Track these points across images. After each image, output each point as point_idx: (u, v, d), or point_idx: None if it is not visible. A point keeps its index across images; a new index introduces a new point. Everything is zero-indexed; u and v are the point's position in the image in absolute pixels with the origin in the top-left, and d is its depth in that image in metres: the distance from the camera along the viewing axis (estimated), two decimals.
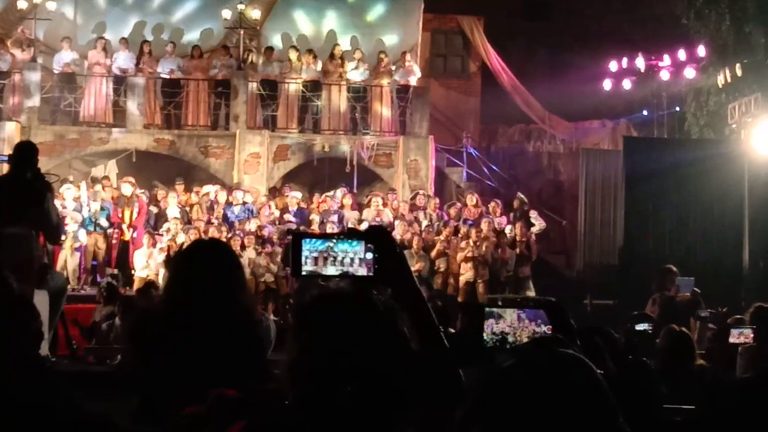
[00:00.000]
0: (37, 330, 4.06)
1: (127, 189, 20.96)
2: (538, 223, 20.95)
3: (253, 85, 23.95)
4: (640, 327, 10.75)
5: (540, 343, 4.38)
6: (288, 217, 21.28)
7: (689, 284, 14.72)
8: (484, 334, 5.47)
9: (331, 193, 22.15)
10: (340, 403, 2.43)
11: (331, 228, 19.91)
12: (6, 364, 3.63)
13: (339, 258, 3.00)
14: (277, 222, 20.89)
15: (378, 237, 3.02)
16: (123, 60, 23.88)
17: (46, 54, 24.44)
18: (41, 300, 8.73)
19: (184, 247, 5.02)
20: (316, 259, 3.04)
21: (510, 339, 5.69)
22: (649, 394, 6.20)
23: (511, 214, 21.22)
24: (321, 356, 2.47)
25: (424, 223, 20.90)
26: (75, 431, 3.64)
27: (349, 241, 3.00)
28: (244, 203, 21.23)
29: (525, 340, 5.43)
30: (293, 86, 23.92)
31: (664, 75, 24.00)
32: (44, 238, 10.04)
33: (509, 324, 5.73)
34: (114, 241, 20.38)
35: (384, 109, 24.16)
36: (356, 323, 2.52)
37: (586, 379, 2.51)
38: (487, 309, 5.43)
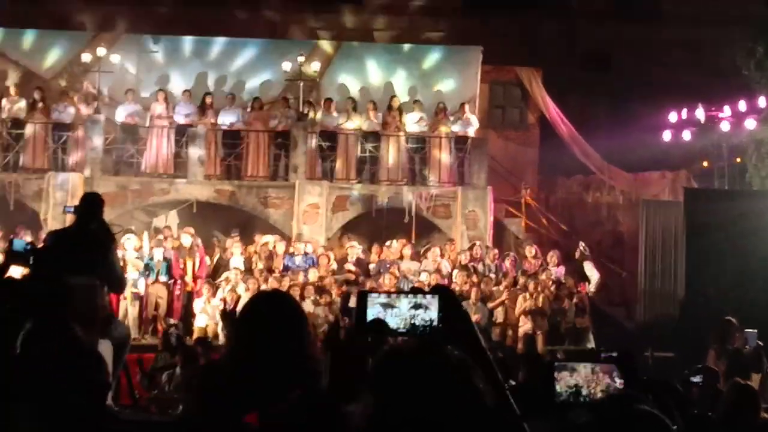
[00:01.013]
0: (103, 380, 4.10)
1: (186, 240, 21.18)
2: (592, 275, 20.86)
3: (313, 137, 24.12)
4: (695, 379, 10.66)
5: (615, 399, 4.34)
6: (348, 266, 21.34)
7: (753, 337, 14.54)
8: (557, 387, 5.43)
9: (389, 243, 22.20)
10: None
11: (389, 278, 19.91)
12: (76, 415, 3.68)
13: (403, 315, 3.01)
14: (334, 272, 20.97)
15: (442, 294, 3.03)
16: (184, 112, 24.16)
17: (109, 106, 24.81)
18: (105, 350, 8.82)
19: (247, 299, 5.05)
20: (380, 315, 3.05)
21: (584, 392, 5.63)
22: None
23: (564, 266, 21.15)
24: (398, 411, 2.48)
25: (483, 273, 20.87)
26: None
27: (414, 297, 3.02)
28: (306, 253, 21.35)
29: (599, 393, 5.38)
30: (352, 137, 24.06)
31: (725, 126, 23.80)
32: (108, 287, 10.15)
33: (583, 377, 5.67)
34: (177, 292, 20.56)
35: (443, 160, 24.20)
36: (432, 378, 2.53)
37: None
38: (558, 362, 5.38)
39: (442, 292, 3.07)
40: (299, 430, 3.90)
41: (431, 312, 2.99)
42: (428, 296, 3.02)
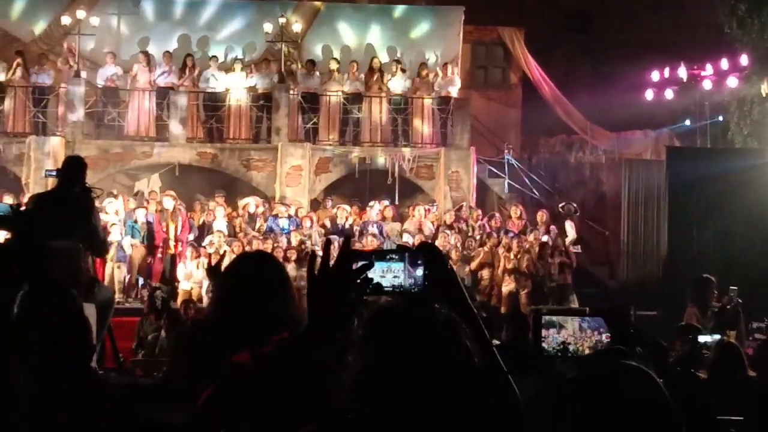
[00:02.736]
0: (88, 343, 4.09)
1: (168, 203, 21.12)
2: (569, 233, 20.95)
3: (295, 98, 24.04)
4: (704, 339, 10.68)
5: (603, 354, 4.35)
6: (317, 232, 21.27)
7: (734, 294, 14.59)
8: (545, 344, 5.43)
9: (372, 203, 22.20)
10: (404, 418, 2.43)
11: (371, 240, 19.93)
12: (62, 376, 3.67)
13: (387, 274, 3.00)
14: (320, 235, 20.97)
15: (429, 253, 3.01)
16: (165, 74, 24.02)
17: (90, 69, 24.66)
18: (89, 313, 8.80)
19: (231, 259, 5.05)
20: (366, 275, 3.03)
21: (572, 348, 5.65)
22: (699, 406, 6.17)
23: (552, 227, 21.20)
24: (385, 370, 2.48)
25: (466, 233, 20.91)
26: None
27: (398, 256, 3.00)
28: (289, 216, 21.33)
29: (587, 350, 5.39)
30: (334, 98, 23.99)
31: (707, 84, 23.85)
32: (90, 251, 10.13)
33: (571, 333, 5.69)
34: (159, 255, 20.53)
35: (425, 121, 24.17)
36: (420, 336, 2.53)
37: (650, 392, 2.50)
38: (547, 318, 5.39)
39: (429, 249, 3.05)
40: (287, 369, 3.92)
41: (418, 270, 2.98)
42: (414, 254, 3.01)
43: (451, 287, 2.98)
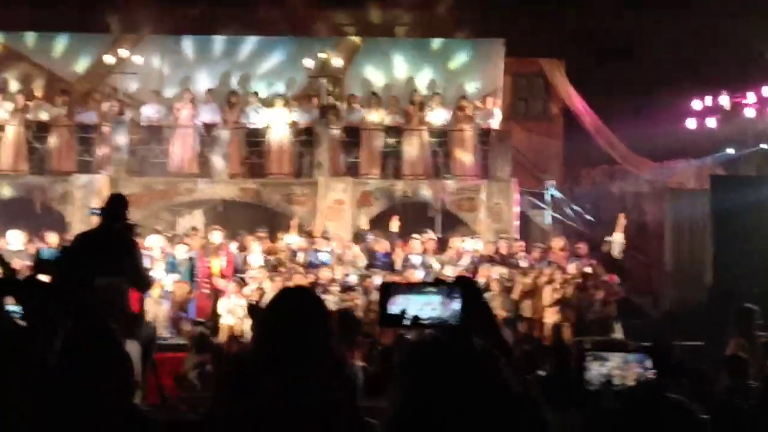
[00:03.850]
0: (131, 380, 4.13)
1: (216, 237, 21.25)
2: (616, 238, 20.85)
3: (336, 132, 24.14)
4: None
5: (646, 386, 4.33)
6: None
7: None
8: (588, 377, 5.40)
9: (414, 237, 22.20)
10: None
11: (413, 273, 19.96)
12: (107, 415, 3.70)
13: (425, 307, 3.02)
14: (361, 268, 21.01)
15: (465, 286, 3.03)
16: (208, 112, 24.21)
17: (134, 107, 24.90)
18: (133, 350, 8.86)
19: (272, 296, 5.09)
20: (403, 308, 3.06)
21: (616, 381, 5.61)
22: None
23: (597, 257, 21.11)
24: (423, 401, 2.49)
25: (509, 265, 20.87)
26: None
27: (436, 290, 3.03)
28: (332, 251, 21.37)
29: (631, 383, 5.35)
30: (375, 132, 24.06)
31: (749, 112, 23.70)
32: (133, 287, 10.20)
33: (615, 366, 5.65)
34: (207, 291, 20.59)
35: (466, 153, 24.18)
36: (458, 367, 2.53)
37: (692, 426, 2.48)
38: (591, 352, 5.36)
39: (465, 283, 3.07)
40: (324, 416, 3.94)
41: (455, 304, 3.00)
42: (451, 288, 3.03)
43: (486, 320, 3.00)
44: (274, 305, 4.42)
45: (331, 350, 4.20)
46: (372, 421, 4.19)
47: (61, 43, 26.57)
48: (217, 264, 20.83)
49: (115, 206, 9.99)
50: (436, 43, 27.29)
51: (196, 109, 24.21)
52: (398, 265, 21.12)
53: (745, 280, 19.08)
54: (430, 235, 22.20)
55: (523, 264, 20.99)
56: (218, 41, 26.86)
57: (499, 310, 18.94)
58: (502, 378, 2.58)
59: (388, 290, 3.15)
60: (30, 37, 26.63)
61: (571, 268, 20.04)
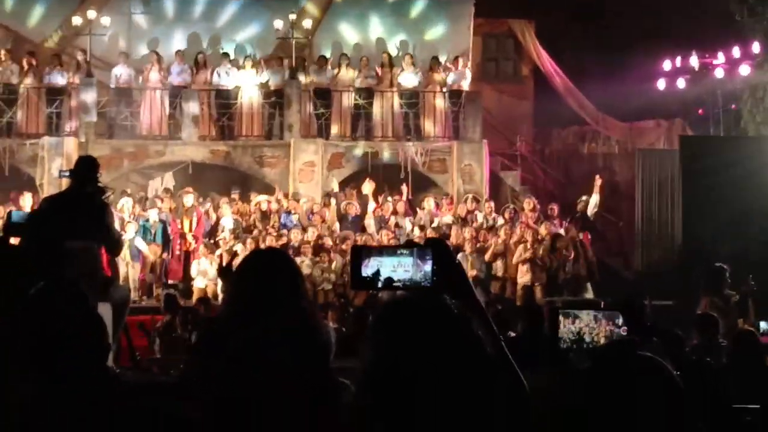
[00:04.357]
0: (104, 342, 4.11)
1: (189, 200, 21.20)
2: (593, 198, 21.00)
3: (306, 94, 24.07)
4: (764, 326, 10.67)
5: (617, 344, 4.34)
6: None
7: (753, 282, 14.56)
8: (560, 335, 5.42)
9: (385, 199, 22.24)
10: (417, 409, 2.44)
11: (386, 234, 20.00)
12: (77, 377, 3.69)
13: (398, 269, 3.03)
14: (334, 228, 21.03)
15: (436, 247, 3.03)
16: (178, 73, 24.07)
17: (102, 69, 24.72)
18: (105, 312, 8.83)
19: (243, 257, 5.08)
20: (375, 271, 3.07)
21: (587, 339, 5.63)
22: (715, 396, 6.15)
23: (568, 217, 21.21)
24: (399, 362, 2.49)
25: (480, 226, 20.93)
26: None
27: (408, 252, 3.03)
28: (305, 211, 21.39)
29: (602, 340, 5.37)
30: (345, 94, 24.01)
31: (719, 73, 23.78)
32: (105, 250, 10.15)
33: (586, 324, 5.67)
34: (177, 252, 20.57)
35: (436, 115, 24.17)
36: (431, 327, 2.53)
37: (663, 383, 2.49)
38: (562, 310, 5.38)
39: (436, 244, 3.07)
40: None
41: (426, 265, 3.00)
42: (423, 249, 3.03)
43: (458, 280, 3.00)
44: (245, 266, 4.41)
45: (303, 311, 4.20)
46: (344, 381, 4.19)
47: (32, 8, 26.23)
48: (188, 226, 20.79)
49: (86, 169, 9.90)
50: (407, 4, 27.15)
51: (166, 70, 24.05)
52: (370, 227, 21.13)
53: (715, 240, 19.20)
54: (403, 197, 22.23)
55: (495, 224, 21.05)
56: (188, 3, 26.63)
57: (471, 271, 19.02)
58: (475, 337, 2.57)
59: (359, 253, 3.14)
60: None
61: (543, 229, 20.08)
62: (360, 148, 23.88)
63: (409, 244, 3.09)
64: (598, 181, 21.35)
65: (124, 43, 25.78)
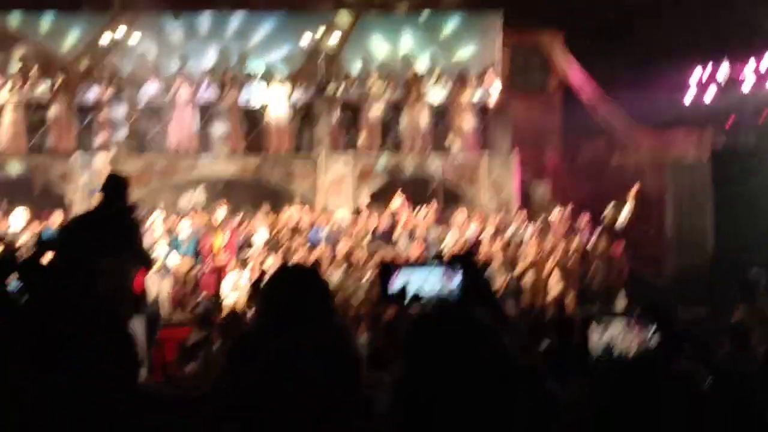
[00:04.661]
0: (136, 358, 4.14)
1: (221, 213, 21.32)
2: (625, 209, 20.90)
3: (335, 111, 24.13)
4: None
5: (650, 355, 4.32)
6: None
7: None
8: (591, 346, 5.39)
9: (415, 211, 22.24)
10: (449, 422, 2.44)
11: (417, 247, 19.99)
12: (112, 393, 3.71)
13: (427, 283, 3.05)
14: (364, 243, 21.01)
15: (464, 262, 3.05)
16: (207, 90, 24.20)
17: (132, 86, 24.86)
18: (137, 328, 8.89)
19: (271, 273, 5.10)
20: (404, 284, 3.09)
21: (618, 349, 5.58)
22: (747, 406, 6.09)
23: (599, 228, 21.13)
24: (430, 376, 2.49)
25: (510, 238, 20.91)
26: None
27: (437, 266, 3.05)
28: (332, 226, 21.40)
29: (633, 350, 5.34)
30: (374, 111, 24.05)
31: (749, 82, 23.66)
32: (136, 267, 10.22)
33: (617, 333, 5.62)
34: (209, 267, 20.61)
35: (465, 127, 24.16)
36: (463, 340, 2.54)
37: (693, 396, 2.46)
38: (593, 321, 5.36)
39: (464, 259, 3.09)
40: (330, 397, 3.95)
41: (455, 280, 3.02)
42: (451, 264, 3.05)
43: (486, 294, 3.01)
44: (274, 282, 4.44)
45: (333, 325, 4.22)
46: (375, 393, 4.21)
47: (51, 21, 26.39)
48: (220, 240, 20.86)
49: (115, 186, 9.98)
50: (434, 16, 27.16)
51: (195, 87, 24.18)
52: (401, 241, 21.13)
53: (745, 250, 19.13)
54: (432, 210, 22.24)
55: (526, 236, 21.02)
56: (216, 19, 26.75)
57: (502, 283, 18.99)
58: (504, 350, 2.58)
59: (388, 268, 3.17)
60: (43, 20, 26.45)
61: (575, 242, 20.04)
62: (388, 161, 23.88)
63: (437, 259, 3.12)
64: (634, 189, 21.21)
65: (155, 59, 25.90)
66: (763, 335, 11.37)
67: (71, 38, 26.43)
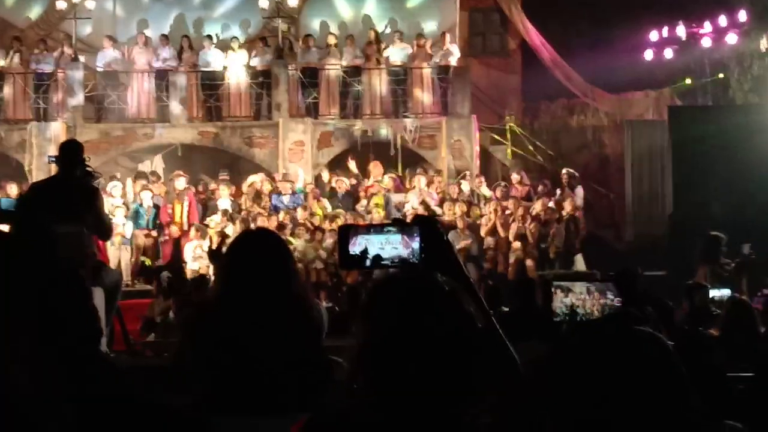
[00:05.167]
0: (96, 327, 4.11)
1: (180, 183, 21.20)
2: (578, 195, 21.02)
3: (294, 74, 24.00)
4: (714, 294, 10.65)
5: (613, 318, 4.32)
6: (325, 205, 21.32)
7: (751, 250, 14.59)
8: (553, 308, 5.41)
9: (379, 178, 22.27)
10: (410, 385, 2.45)
11: (378, 212, 20.00)
12: (71, 361, 3.69)
13: (386, 247, 3.04)
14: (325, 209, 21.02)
15: (424, 225, 3.04)
16: (164, 56, 24.03)
17: (88, 53, 24.65)
18: (97, 297, 8.82)
19: (233, 238, 5.09)
20: (364, 249, 3.07)
21: (580, 311, 5.61)
22: (707, 365, 6.15)
23: (558, 191, 21.24)
24: (390, 337, 2.49)
25: (470, 202, 20.98)
26: (138, 422, 3.70)
27: (395, 229, 3.04)
28: (293, 192, 21.36)
29: (595, 312, 5.36)
30: (333, 72, 23.95)
31: (706, 42, 23.75)
32: (96, 235, 10.15)
33: (579, 296, 5.65)
34: (166, 238, 20.53)
35: (425, 91, 24.14)
36: (422, 303, 2.54)
37: (660, 357, 2.47)
38: (555, 282, 5.37)
39: (424, 221, 3.07)
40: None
41: (414, 242, 3.01)
42: (410, 226, 3.03)
43: (447, 257, 3.00)
44: (235, 247, 4.41)
45: (294, 291, 4.20)
46: (337, 359, 4.21)
47: None
48: (179, 210, 20.75)
49: (71, 153, 9.88)
50: None
51: (152, 53, 24.00)
52: (361, 205, 21.16)
53: (705, 208, 19.21)
54: (392, 174, 22.27)
55: (486, 200, 21.11)
56: None
57: (463, 247, 19.06)
58: (468, 312, 2.58)
59: (347, 232, 3.15)
60: None
61: (538, 205, 20.16)
62: (348, 126, 23.83)
63: (397, 222, 3.10)
64: None
65: (110, 26, 25.65)
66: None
67: (27, 5, 26.13)
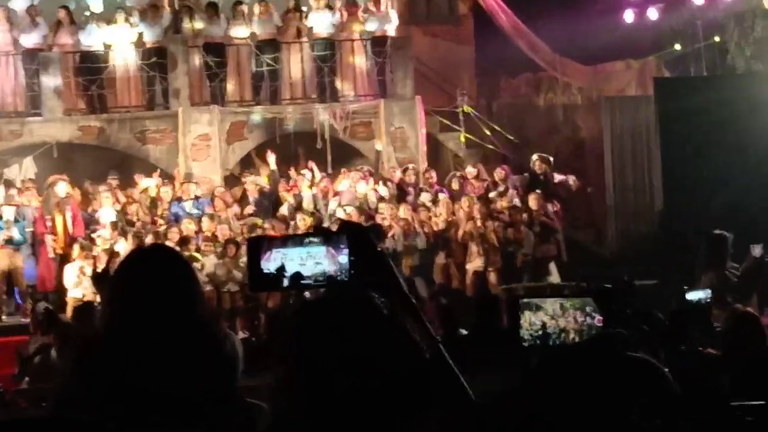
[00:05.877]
0: None
1: (61, 189, 20.91)
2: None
3: (195, 50, 23.86)
4: (692, 296, 10.66)
5: (597, 342, 4.35)
6: (249, 209, 21.28)
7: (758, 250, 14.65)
8: (521, 331, 5.42)
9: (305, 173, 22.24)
10: (339, 408, 2.44)
11: (302, 220, 19.96)
12: None
13: (307, 262, 3.01)
14: (236, 217, 20.93)
15: (351, 232, 3.02)
16: (33, 34, 23.78)
17: None
18: None
19: (122, 257, 5.04)
20: (280, 266, 3.04)
21: (551, 332, 5.61)
22: (709, 389, 6.19)
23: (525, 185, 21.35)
24: (316, 377, 2.48)
25: (417, 202, 21.01)
26: None
27: (319, 241, 3.01)
28: (196, 197, 21.24)
29: (572, 334, 5.36)
30: (244, 48, 23.85)
31: (697, 0, 23.94)
32: None
33: (551, 315, 5.65)
34: (51, 255, 20.23)
35: (358, 68, 24.12)
36: (356, 332, 2.53)
37: (654, 388, 2.48)
38: (522, 300, 5.40)
39: (351, 228, 3.05)
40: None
41: (342, 255, 2.99)
42: (336, 236, 3.01)
43: (382, 272, 2.99)
44: (123, 270, 4.36)
45: (200, 321, 4.17)
46: (257, 402, 4.18)
47: None
48: (61, 222, 20.46)
49: None
50: None
51: (17, 31, 23.74)
52: (284, 210, 21.11)
53: (701, 202, 19.31)
54: (318, 172, 22.25)
55: (435, 198, 21.12)
56: None
57: (407, 257, 19.10)
58: (410, 341, 2.58)
59: (257, 245, 3.11)
60: None
61: (504, 202, 20.24)
62: (264, 115, 23.76)
63: (319, 231, 3.08)
64: None
65: None
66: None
67: None
